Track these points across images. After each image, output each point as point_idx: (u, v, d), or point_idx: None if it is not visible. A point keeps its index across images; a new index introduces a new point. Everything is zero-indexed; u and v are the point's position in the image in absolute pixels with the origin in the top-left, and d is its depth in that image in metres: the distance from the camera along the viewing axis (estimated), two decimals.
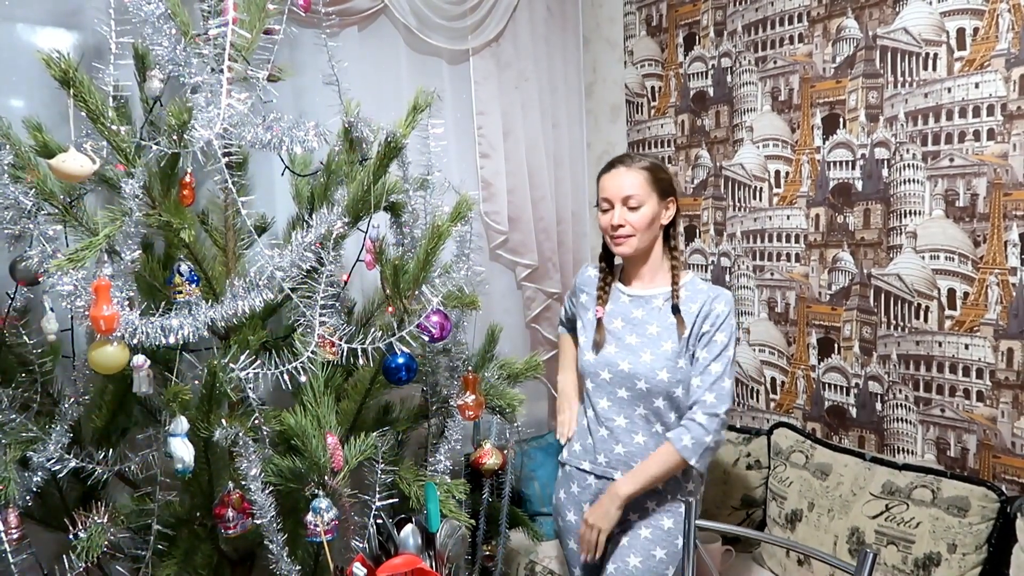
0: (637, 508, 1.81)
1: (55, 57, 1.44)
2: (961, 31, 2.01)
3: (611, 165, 1.84)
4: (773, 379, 2.57)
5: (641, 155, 1.84)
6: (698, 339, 1.77)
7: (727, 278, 2.69)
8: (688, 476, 1.82)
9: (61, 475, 1.58)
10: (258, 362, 1.52)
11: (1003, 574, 1.85)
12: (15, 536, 1.50)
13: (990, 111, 1.97)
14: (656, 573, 1.77)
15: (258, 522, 1.56)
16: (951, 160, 2.06)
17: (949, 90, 2.05)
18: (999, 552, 1.86)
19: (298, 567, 1.63)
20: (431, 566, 1.55)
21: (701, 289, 1.82)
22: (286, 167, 1.94)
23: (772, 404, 2.58)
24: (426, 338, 1.66)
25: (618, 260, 1.93)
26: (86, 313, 1.38)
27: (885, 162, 2.21)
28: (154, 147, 1.54)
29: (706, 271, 2.76)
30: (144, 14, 1.52)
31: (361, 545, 1.56)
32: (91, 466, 1.59)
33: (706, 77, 2.72)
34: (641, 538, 1.78)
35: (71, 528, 1.49)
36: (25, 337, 1.68)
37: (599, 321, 1.86)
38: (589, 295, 1.94)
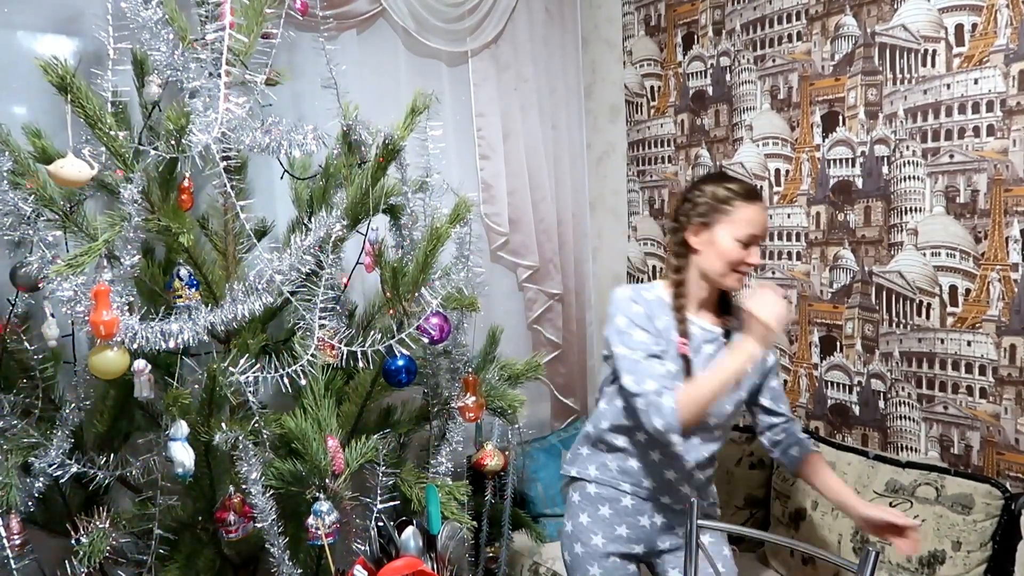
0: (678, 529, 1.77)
1: (52, 63, 1.44)
2: (960, 27, 2.01)
3: (755, 195, 1.64)
4: None
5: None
6: (768, 370, 1.74)
7: None
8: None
9: (63, 480, 1.58)
10: (258, 366, 1.52)
11: (1008, 571, 1.84)
12: (17, 542, 1.51)
13: (989, 107, 1.96)
14: None
15: (259, 526, 1.57)
16: (951, 156, 2.05)
17: (948, 86, 2.04)
18: (1004, 549, 1.85)
19: (300, 570, 1.63)
20: (432, 568, 1.54)
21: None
22: (285, 170, 1.95)
23: None
24: (426, 340, 1.66)
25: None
26: (86, 318, 1.38)
27: (885, 159, 2.20)
28: (152, 152, 1.55)
29: None
30: (142, 20, 1.53)
31: (362, 548, 1.56)
32: (93, 471, 1.60)
33: (705, 76, 2.72)
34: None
35: (73, 533, 1.49)
36: (26, 343, 1.68)
37: (686, 360, 1.64)
38: (664, 321, 1.66)
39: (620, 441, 1.72)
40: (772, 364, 1.76)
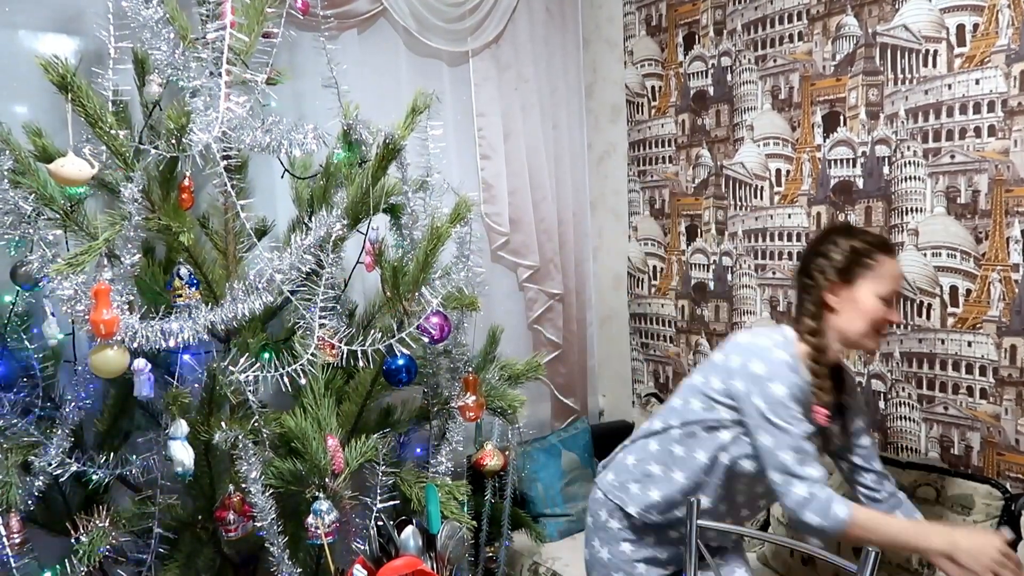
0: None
1: (53, 62, 1.44)
2: (961, 27, 2.01)
3: (892, 247, 1.55)
4: None
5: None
6: (855, 432, 1.68)
7: (729, 277, 2.68)
8: None
9: (63, 479, 1.58)
10: (258, 365, 1.52)
11: None
12: (17, 540, 1.51)
13: (991, 107, 1.96)
14: None
15: (259, 525, 1.57)
16: (952, 157, 2.05)
17: (949, 87, 2.04)
18: None
19: (299, 569, 1.63)
20: (432, 568, 1.54)
21: (851, 384, 1.70)
22: (285, 170, 1.95)
23: None
24: (426, 340, 1.66)
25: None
26: (86, 317, 1.38)
27: (886, 159, 2.20)
28: (153, 151, 1.55)
29: (708, 271, 2.75)
30: (143, 19, 1.53)
31: (362, 547, 1.56)
32: (92, 470, 1.60)
33: (706, 76, 2.72)
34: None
35: (73, 532, 1.50)
36: (27, 342, 1.68)
37: (823, 433, 1.56)
38: (807, 392, 1.54)
39: (707, 502, 1.62)
40: (860, 427, 1.68)
